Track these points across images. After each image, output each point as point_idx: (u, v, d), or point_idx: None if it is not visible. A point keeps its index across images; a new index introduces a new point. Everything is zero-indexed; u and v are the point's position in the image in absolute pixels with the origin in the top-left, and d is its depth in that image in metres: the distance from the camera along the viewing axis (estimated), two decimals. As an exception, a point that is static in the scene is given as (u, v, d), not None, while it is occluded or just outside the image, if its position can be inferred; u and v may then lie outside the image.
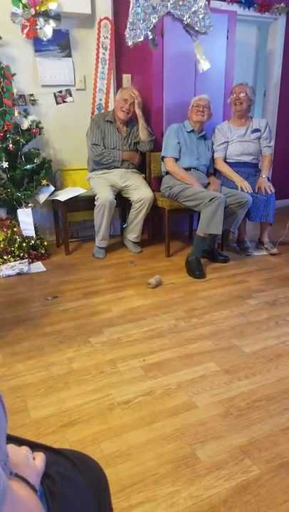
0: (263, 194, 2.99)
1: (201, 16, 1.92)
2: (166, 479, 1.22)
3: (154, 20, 1.79)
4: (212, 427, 1.43)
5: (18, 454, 0.56)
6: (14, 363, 1.79)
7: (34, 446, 0.62)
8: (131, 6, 1.90)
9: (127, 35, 1.93)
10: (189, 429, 1.42)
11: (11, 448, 0.56)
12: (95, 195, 3.00)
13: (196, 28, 1.92)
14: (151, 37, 2.06)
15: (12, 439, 0.59)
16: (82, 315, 2.23)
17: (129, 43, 1.94)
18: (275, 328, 2.08)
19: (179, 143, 3.07)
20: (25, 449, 0.59)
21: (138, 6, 1.79)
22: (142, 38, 1.95)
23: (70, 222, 3.28)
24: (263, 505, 1.14)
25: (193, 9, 1.81)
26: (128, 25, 1.90)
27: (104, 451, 1.32)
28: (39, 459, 0.59)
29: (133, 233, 3.23)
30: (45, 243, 3.11)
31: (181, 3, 1.73)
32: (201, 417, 1.47)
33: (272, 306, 2.32)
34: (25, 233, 2.95)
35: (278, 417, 1.47)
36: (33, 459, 0.59)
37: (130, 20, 1.91)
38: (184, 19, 1.90)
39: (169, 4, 1.81)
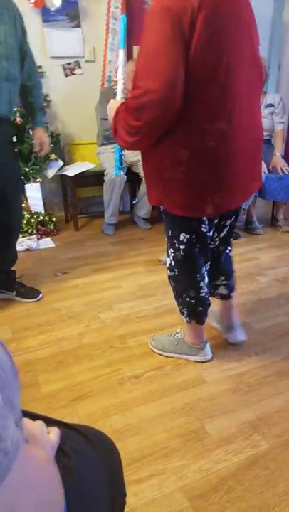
0: (278, 173, 2.91)
1: None
2: (176, 453, 1.23)
3: None
4: (221, 402, 1.43)
5: (34, 427, 0.56)
6: (24, 338, 1.80)
7: (48, 421, 0.62)
8: None
9: None
10: (199, 403, 1.42)
11: (27, 422, 0.55)
12: (104, 171, 2.95)
13: None
14: None
15: (26, 414, 0.59)
16: (92, 291, 2.23)
17: None
18: (285, 306, 2.05)
19: None
20: (39, 423, 0.59)
21: None
22: None
23: (79, 197, 3.24)
24: (271, 478, 1.15)
25: None
26: None
27: (114, 425, 1.34)
28: (54, 433, 0.59)
29: (143, 209, 3.19)
30: (54, 219, 3.09)
31: None
32: (211, 392, 1.48)
33: (283, 284, 2.28)
34: (33, 209, 2.93)
35: (288, 393, 1.47)
36: (48, 433, 0.58)
37: None
38: None
39: None
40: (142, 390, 1.49)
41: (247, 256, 2.68)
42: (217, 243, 1.56)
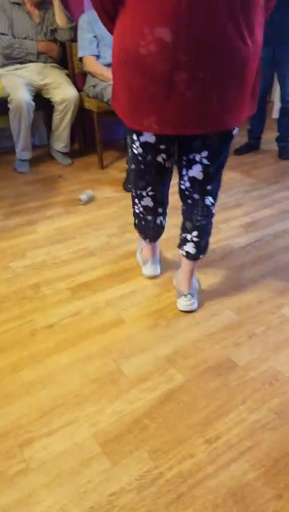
0: None
1: None
2: (90, 399, 1.19)
3: None
4: (139, 341, 1.39)
5: None
6: None
7: None
8: None
9: None
10: (116, 345, 1.37)
11: None
12: (8, 97, 2.56)
13: None
14: None
15: None
16: (1, 238, 2.02)
17: None
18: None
19: (95, 36, 2.61)
20: None
21: None
22: None
23: (-16, 132, 2.85)
24: (185, 411, 1.15)
25: None
26: None
27: (23, 378, 1.25)
28: None
29: (60, 142, 2.89)
30: None
31: None
32: (129, 332, 1.43)
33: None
34: None
35: (204, 323, 1.46)
36: None
37: None
38: None
39: None
40: (55, 339, 1.40)
41: (173, 189, 2.57)
42: (187, 184, 1.32)
